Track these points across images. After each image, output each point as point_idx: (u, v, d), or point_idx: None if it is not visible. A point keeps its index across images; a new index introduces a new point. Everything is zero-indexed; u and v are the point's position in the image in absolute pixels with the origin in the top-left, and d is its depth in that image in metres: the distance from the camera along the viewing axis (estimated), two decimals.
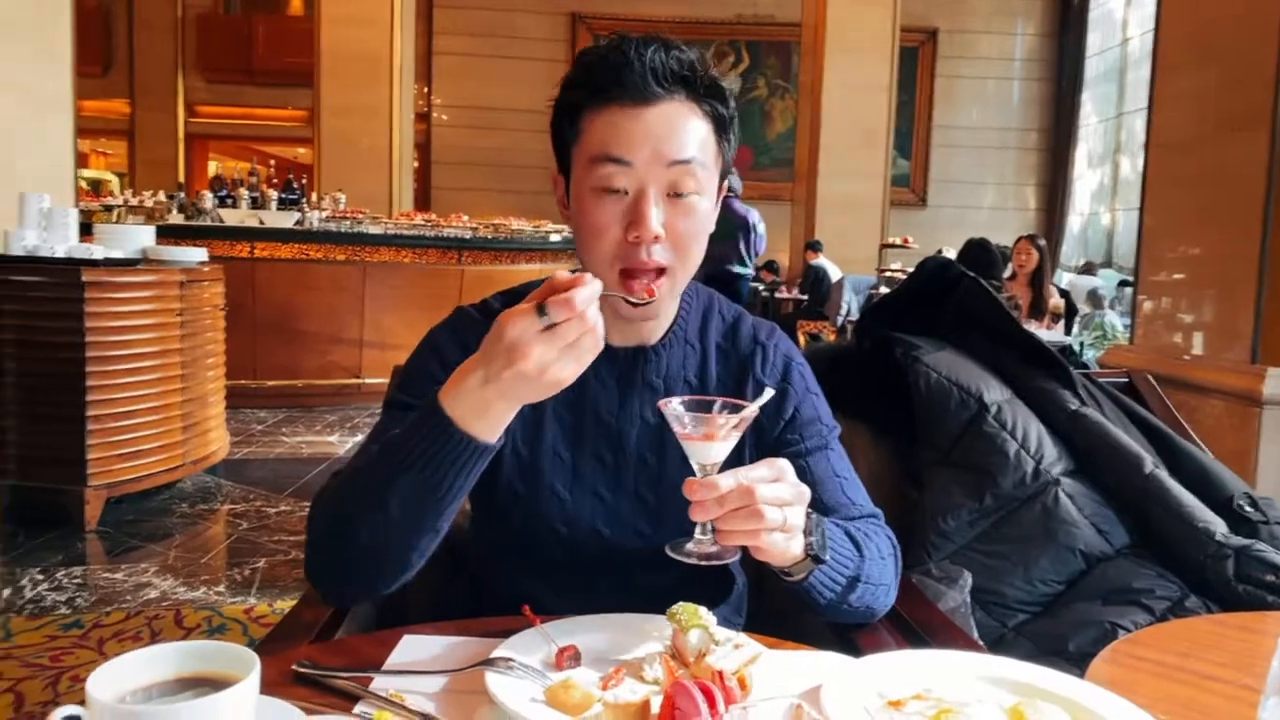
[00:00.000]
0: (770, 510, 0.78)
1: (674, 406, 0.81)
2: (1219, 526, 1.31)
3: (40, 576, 2.90)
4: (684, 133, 0.91)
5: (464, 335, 1.01)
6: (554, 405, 1.00)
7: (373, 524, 0.82)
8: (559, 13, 12.23)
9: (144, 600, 2.76)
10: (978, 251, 4.62)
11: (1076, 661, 1.21)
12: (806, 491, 0.83)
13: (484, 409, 0.77)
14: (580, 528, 1.00)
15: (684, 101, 0.91)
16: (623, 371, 1.01)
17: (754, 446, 1.03)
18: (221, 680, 0.62)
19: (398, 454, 0.81)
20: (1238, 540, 1.29)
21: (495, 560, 1.07)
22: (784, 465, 0.82)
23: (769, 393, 0.85)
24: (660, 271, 0.93)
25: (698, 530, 0.81)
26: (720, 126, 0.95)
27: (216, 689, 0.61)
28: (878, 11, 8.97)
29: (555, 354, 0.73)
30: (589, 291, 0.73)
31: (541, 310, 0.73)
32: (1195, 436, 1.56)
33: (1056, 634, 1.26)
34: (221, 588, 2.89)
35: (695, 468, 0.82)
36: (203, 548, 3.27)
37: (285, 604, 2.77)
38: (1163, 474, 1.37)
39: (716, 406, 0.82)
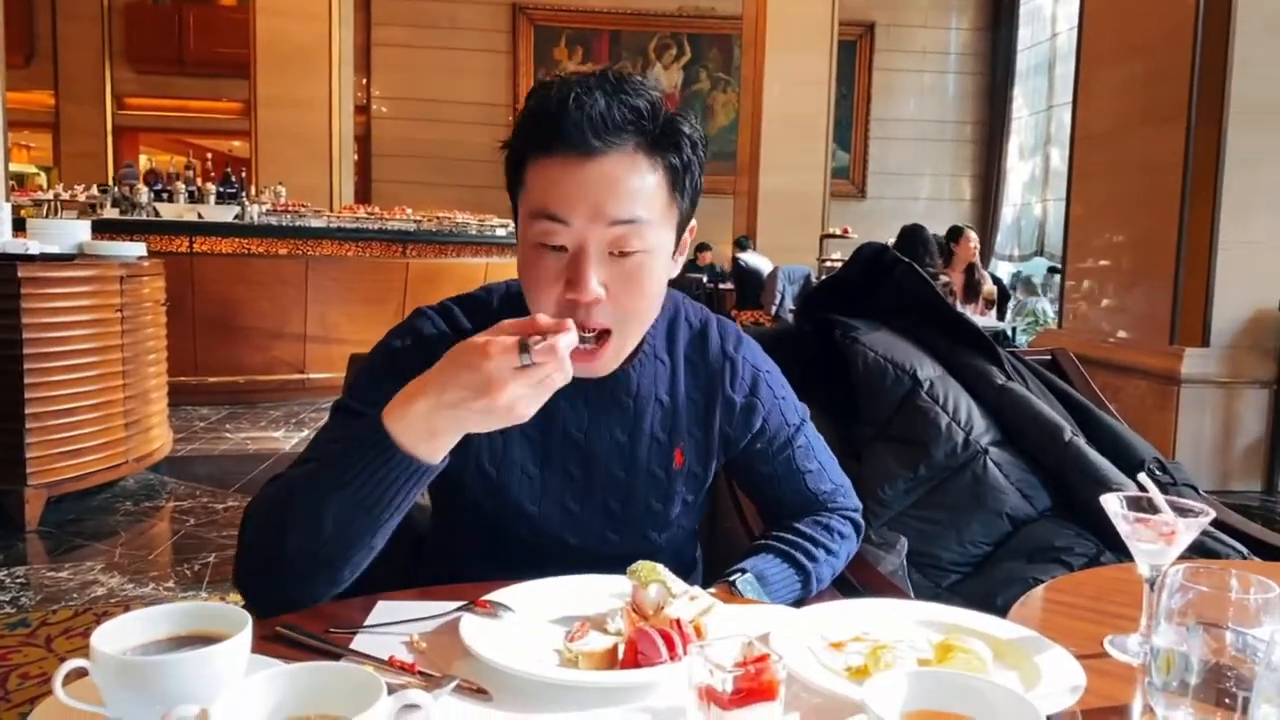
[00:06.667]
0: None
1: (1116, 507, 0.82)
2: (1131, 489, 1.41)
3: None
4: (627, 189, 0.85)
5: (423, 349, 0.96)
6: (521, 426, 0.93)
7: (305, 538, 0.81)
8: (499, 3, 12.15)
9: (91, 598, 2.73)
10: (911, 239, 4.79)
11: (1002, 614, 1.30)
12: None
13: (431, 434, 0.78)
14: (547, 538, 1.02)
15: (632, 153, 0.86)
16: (591, 393, 0.99)
17: (722, 452, 1.08)
18: (216, 637, 0.66)
19: (335, 470, 0.80)
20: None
21: (460, 561, 1.07)
22: None
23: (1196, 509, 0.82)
24: (604, 334, 0.90)
25: None
26: (674, 177, 0.89)
27: (210, 645, 0.65)
28: (817, 5, 9.11)
29: (526, 391, 0.74)
30: (570, 338, 0.74)
31: (524, 348, 0.73)
32: (1111, 408, 1.68)
33: (986, 591, 1.36)
34: (171, 584, 2.87)
35: (1144, 567, 0.83)
36: (149, 545, 3.24)
37: (238, 598, 2.76)
38: (1080, 442, 1.48)
39: (1151, 503, 0.82)
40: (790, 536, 1.07)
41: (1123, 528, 0.83)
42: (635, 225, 0.86)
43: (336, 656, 0.78)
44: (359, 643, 0.81)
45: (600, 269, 0.86)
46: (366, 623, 0.85)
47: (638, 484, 1.02)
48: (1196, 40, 4.05)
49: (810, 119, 9.19)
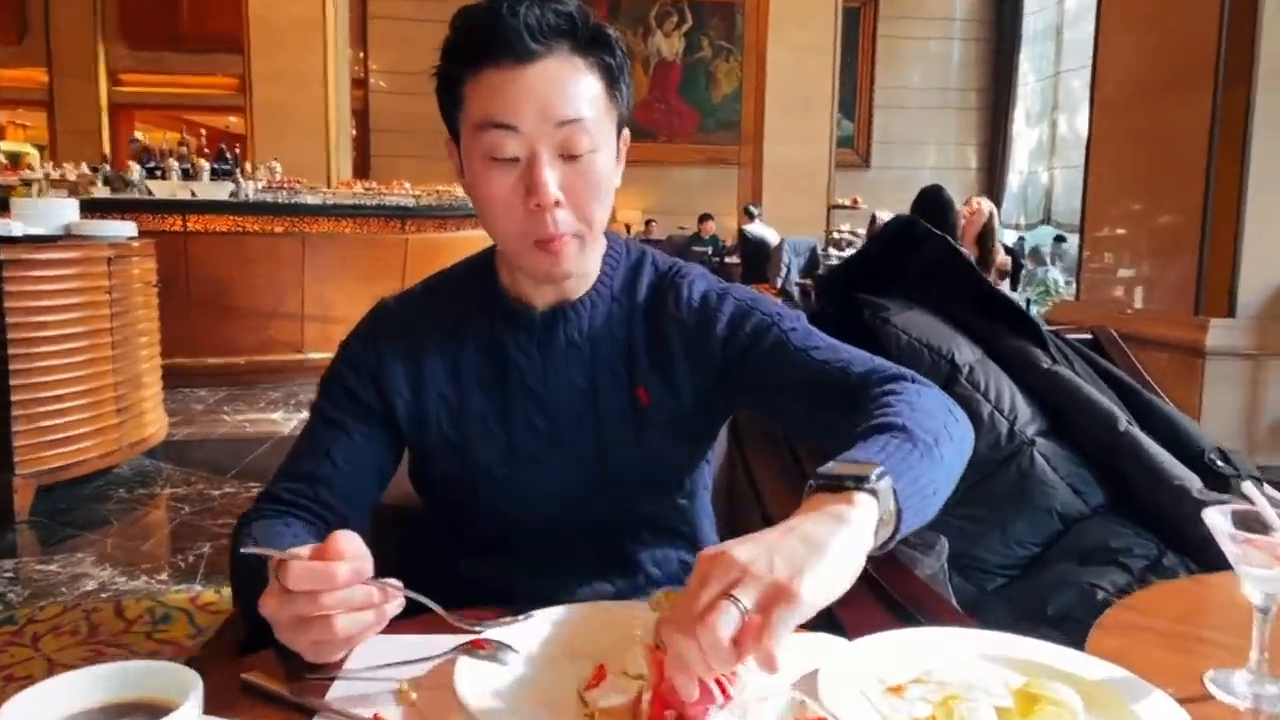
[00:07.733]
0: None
1: (1223, 526, 0.71)
2: (1194, 483, 1.30)
3: None
4: (571, 89, 0.85)
5: (377, 336, 0.98)
6: (479, 383, 0.96)
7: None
8: None
9: (81, 592, 2.63)
10: (933, 201, 4.52)
11: (1055, 624, 1.19)
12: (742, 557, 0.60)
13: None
14: (524, 498, 0.96)
15: (568, 56, 0.85)
16: (543, 335, 0.95)
17: (695, 373, 0.96)
18: (158, 706, 0.55)
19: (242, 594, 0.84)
20: (1214, 496, 1.28)
21: (450, 545, 1.02)
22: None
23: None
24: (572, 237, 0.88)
25: None
26: (611, 78, 0.89)
27: (152, 717, 0.54)
28: None
29: (293, 635, 0.70)
30: (276, 605, 0.69)
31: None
32: (1160, 391, 1.55)
33: (1035, 596, 1.24)
34: (164, 576, 2.77)
35: (1255, 594, 0.71)
36: (143, 535, 3.15)
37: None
38: (1136, 431, 1.36)
39: (1260, 519, 0.71)
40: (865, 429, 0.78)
41: (1230, 549, 0.71)
42: (581, 123, 0.85)
43: (310, 712, 0.66)
44: (337, 691, 0.70)
45: (554, 173, 0.85)
46: (346, 666, 0.73)
47: (604, 424, 0.96)
48: (1220, 4, 3.87)
49: (815, 88, 9.01)
